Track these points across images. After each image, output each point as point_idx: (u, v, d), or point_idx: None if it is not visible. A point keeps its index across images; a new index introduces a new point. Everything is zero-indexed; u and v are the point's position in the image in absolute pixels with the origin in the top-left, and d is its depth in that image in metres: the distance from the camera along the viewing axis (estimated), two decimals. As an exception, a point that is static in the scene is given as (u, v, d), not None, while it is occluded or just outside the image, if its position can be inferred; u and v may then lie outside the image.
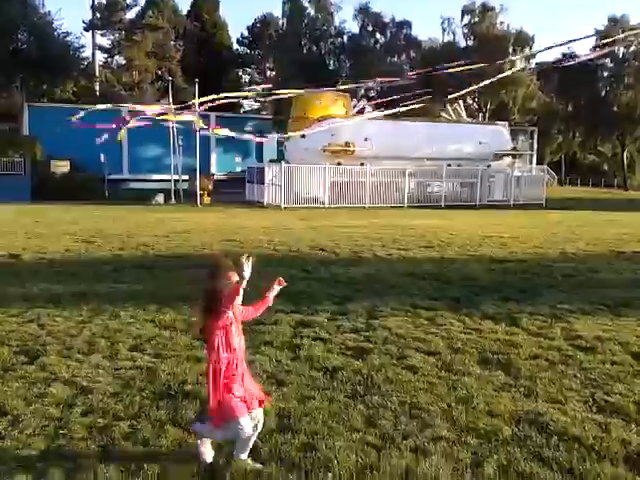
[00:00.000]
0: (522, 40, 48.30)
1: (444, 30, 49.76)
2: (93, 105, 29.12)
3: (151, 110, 26.07)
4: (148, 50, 45.95)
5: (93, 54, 46.70)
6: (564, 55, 53.98)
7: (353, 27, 72.43)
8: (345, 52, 49.63)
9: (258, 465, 3.30)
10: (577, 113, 53.63)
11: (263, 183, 26.10)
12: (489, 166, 30.19)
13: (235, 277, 3.13)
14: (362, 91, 45.73)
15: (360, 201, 26.29)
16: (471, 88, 27.57)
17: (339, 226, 16.66)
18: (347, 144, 26.52)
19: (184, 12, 53.87)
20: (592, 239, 14.07)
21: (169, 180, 27.91)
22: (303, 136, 26.52)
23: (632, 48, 51.02)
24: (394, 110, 25.91)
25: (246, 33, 58.42)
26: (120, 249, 11.43)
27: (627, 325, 6.31)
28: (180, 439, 3.58)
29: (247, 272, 3.01)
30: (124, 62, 48.82)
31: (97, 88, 45.04)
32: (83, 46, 46.09)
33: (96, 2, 45.28)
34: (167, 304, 6.87)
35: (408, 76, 27.77)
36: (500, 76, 26.24)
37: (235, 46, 58.44)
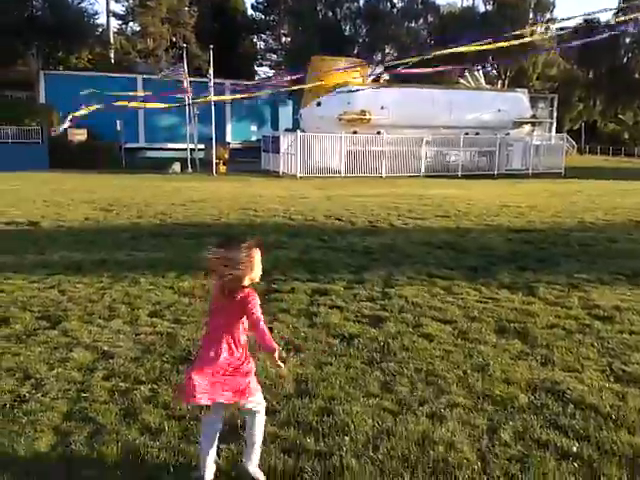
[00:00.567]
0: (542, 5, 47.07)
1: (463, -6, 48.67)
2: (110, 73, 29.03)
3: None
4: (162, 16, 45.48)
5: (107, 21, 46.40)
6: (585, 21, 52.66)
7: (370, -9, 71.14)
8: (361, 17, 48.72)
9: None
10: (598, 80, 52.49)
11: (279, 152, 25.98)
12: (508, 134, 29.75)
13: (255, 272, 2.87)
14: (378, 57, 45.08)
15: (376, 170, 26.10)
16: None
17: (355, 195, 16.60)
18: (363, 112, 26.23)
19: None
20: (611, 208, 13.89)
21: (185, 149, 27.91)
22: (319, 104, 26.28)
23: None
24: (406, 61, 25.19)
25: (261, -2, 57.52)
26: (138, 217, 11.51)
27: (646, 295, 6.26)
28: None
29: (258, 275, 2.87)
30: (138, 29, 48.44)
31: (112, 55, 44.82)
32: (97, 13, 45.92)
33: (110, -32, 44.82)
34: (185, 271, 6.93)
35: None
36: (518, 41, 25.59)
37: (250, 11, 57.67)
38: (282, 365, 2.96)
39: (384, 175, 25.87)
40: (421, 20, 49.41)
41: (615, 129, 65.33)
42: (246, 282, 2.84)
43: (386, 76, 45.55)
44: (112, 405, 3.62)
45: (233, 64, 45.75)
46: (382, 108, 26.29)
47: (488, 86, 33.97)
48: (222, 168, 26.51)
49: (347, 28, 49.65)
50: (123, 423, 3.41)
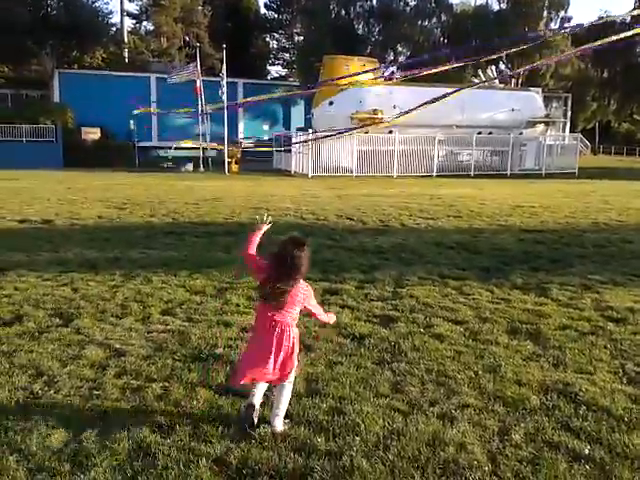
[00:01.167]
0: (557, 4, 46.66)
1: (477, -8, 48.38)
2: (124, 72, 29.18)
3: None
4: (176, 16, 45.69)
5: (121, 20, 46.69)
6: (600, 18, 52.10)
7: (383, -10, 71.02)
8: (374, 16, 48.55)
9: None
10: (612, 80, 51.97)
11: (290, 151, 26.01)
12: (521, 134, 29.54)
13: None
14: (391, 56, 44.96)
15: (388, 170, 26.03)
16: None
17: (366, 195, 16.58)
18: (375, 111, 26.17)
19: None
20: (625, 209, 13.77)
21: (198, 148, 28.01)
22: (331, 103, 26.26)
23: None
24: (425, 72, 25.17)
25: (274, -3, 57.60)
26: (151, 216, 11.58)
27: (660, 297, 6.20)
28: (211, 401, 3.66)
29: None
30: (152, 28, 48.70)
31: (125, 54, 45.08)
32: (112, 12, 46.17)
33: (124, -33, 45.06)
34: (197, 270, 6.97)
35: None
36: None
37: (263, 10, 57.76)
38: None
39: (395, 175, 25.80)
40: (434, 19, 49.14)
41: (629, 129, 64.66)
42: None
43: (399, 75, 45.40)
44: (124, 403, 3.65)
45: (246, 63, 45.87)
46: (394, 107, 26.20)
47: (501, 85, 33.73)
48: (234, 167, 26.58)
49: (360, 27, 49.50)
50: (134, 421, 3.43)
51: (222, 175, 24.50)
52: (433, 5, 48.34)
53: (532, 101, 30.66)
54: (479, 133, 27.90)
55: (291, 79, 53.23)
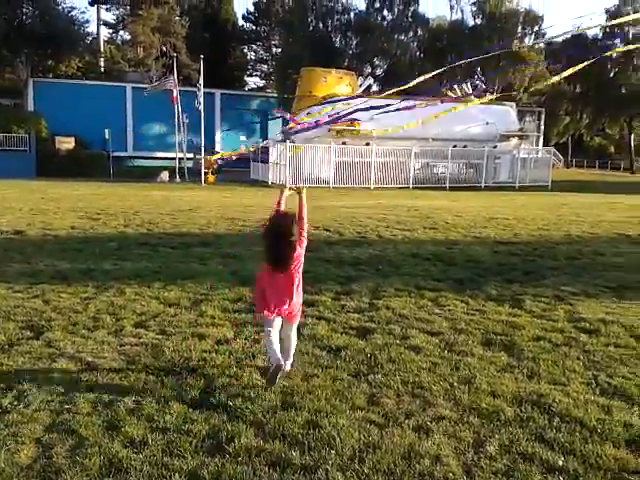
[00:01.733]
0: (531, 19, 47.60)
1: (452, 8, 49.14)
2: (99, 81, 28.95)
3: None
4: (153, 26, 45.52)
5: (98, 29, 46.46)
6: (572, 35, 53.29)
7: (360, 3, 71.83)
8: (351, 29, 48.99)
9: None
10: (585, 94, 53.06)
11: (268, 162, 26.01)
12: (495, 147, 29.98)
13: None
14: (368, 69, 45.36)
15: (365, 181, 26.19)
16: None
17: (344, 206, 16.63)
18: (353, 123, 26.34)
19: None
20: (597, 222, 14.01)
21: (174, 158, 27.86)
22: (309, 114, 26.36)
23: (643, 28, 50.29)
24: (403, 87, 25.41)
25: (252, 9, 57.82)
26: (125, 226, 11.45)
27: (631, 308, 6.30)
28: (185, 415, 3.60)
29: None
30: (129, 38, 48.44)
31: (102, 64, 44.77)
32: (88, 21, 45.85)
33: (101, -24, 44.84)
34: (172, 282, 6.90)
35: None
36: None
37: (241, 22, 57.86)
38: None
39: (373, 186, 25.95)
40: (411, 33, 49.75)
41: (601, 143, 66.10)
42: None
43: (375, 88, 45.81)
44: (95, 417, 3.57)
45: (224, 74, 45.90)
46: (371, 119, 26.42)
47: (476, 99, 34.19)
48: (211, 177, 26.48)
49: (337, 40, 49.88)
50: (106, 435, 3.37)
51: (198, 185, 24.38)
52: (410, 20, 48.96)
53: (506, 115, 31.18)
54: (454, 146, 28.24)
55: (269, 90, 53.30)
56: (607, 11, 50.61)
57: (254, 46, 60.12)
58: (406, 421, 3.60)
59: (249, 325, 5.37)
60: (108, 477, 2.97)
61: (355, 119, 25.03)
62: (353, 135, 26.53)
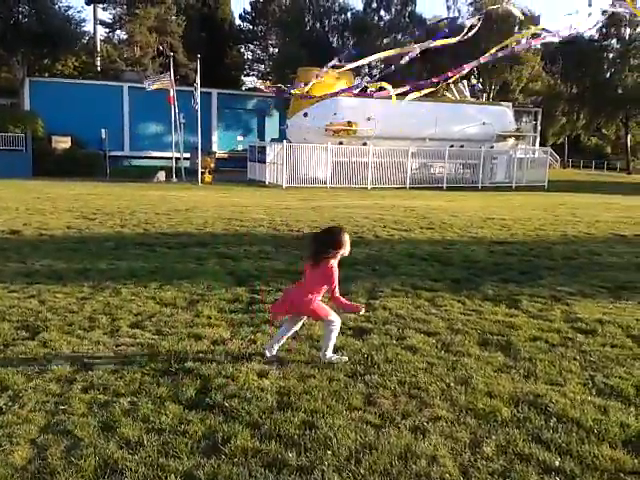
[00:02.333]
0: (527, 20, 47.62)
1: (449, 8, 49.18)
2: (96, 81, 28.82)
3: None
4: (150, 25, 45.47)
5: (94, 29, 46.31)
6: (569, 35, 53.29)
7: (357, 4, 71.79)
8: (348, 29, 49.04)
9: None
10: (581, 95, 53.22)
11: (265, 162, 26.00)
12: (492, 147, 30.02)
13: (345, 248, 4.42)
14: (366, 69, 45.35)
15: (362, 182, 26.19)
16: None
17: (341, 206, 16.63)
18: (349, 123, 26.35)
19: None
20: (593, 222, 14.04)
21: (170, 158, 27.83)
22: (306, 114, 26.35)
23: (639, 29, 50.45)
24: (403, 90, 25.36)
25: (249, 9, 57.82)
26: (121, 226, 11.43)
27: (627, 308, 6.31)
28: (180, 416, 3.59)
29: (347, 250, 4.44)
30: (125, 37, 48.36)
31: (98, 63, 44.67)
32: (84, 20, 45.63)
33: (97, -24, 44.75)
34: (168, 282, 6.88)
35: (410, 49, 27.07)
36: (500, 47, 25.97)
37: (238, 22, 57.87)
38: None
39: (369, 186, 25.96)
40: (408, 33, 49.79)
41: (598, 143, 66.27)
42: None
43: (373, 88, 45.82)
44: (90, 418, 3.56)
45: (220, 73, 45.84)
46: (368, 119, 26.43)
47: (473, 99, 34.30)
48: (208, 177, 26.45)
49: (334, 40, 49.94)
50: (101, 436, 3.35)
51: (195, 185, 24.35)
52: (407, 20, 49.03)
53: (503, 115, 31.21)
54: (451, 146, 28.26)
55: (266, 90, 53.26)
56: (603, 12, 50.68)
57: (251, 46, 60.18)
58: (403, 421, 3.59)
59: (245, 325, 5.36)
60: (103, 478, 2.95)
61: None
62: (350, 135, 26.53)
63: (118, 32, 50.15)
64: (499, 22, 44.07)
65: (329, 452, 3.21)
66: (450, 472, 3.07)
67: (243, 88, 56.06)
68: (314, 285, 4.42)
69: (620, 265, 8.86)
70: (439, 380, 4.24)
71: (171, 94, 25.90)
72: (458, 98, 32.84)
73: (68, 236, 10.25)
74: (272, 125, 40.15)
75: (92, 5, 45.85)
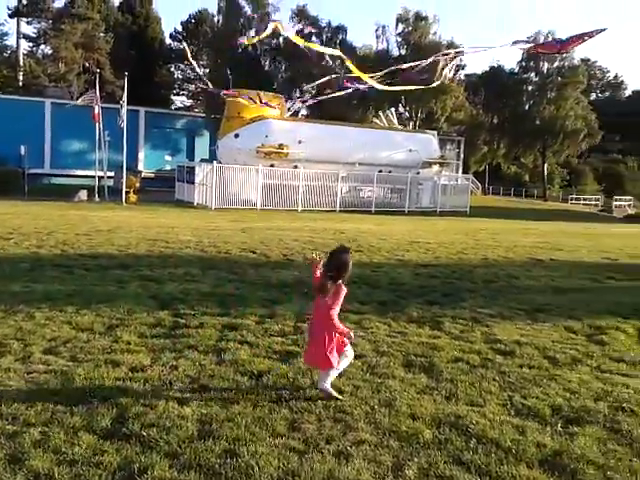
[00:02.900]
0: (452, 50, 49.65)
1: (378, 37, 50.46)
2: (16, 96, 27.64)
3: None
4: (76, 41, 44.25)
5: (17, 42, 44.62)
6: (491, 68, 56.20)
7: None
8: (281, 53, 49.46)
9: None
10: (502, 125, 55.84)
11: (193, 183, 25.64)
12: (418, 173, 30.91)
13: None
14: (297, 93, 45.82)
15: (293, 204, 26.28)
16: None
17: (270, 229, 16.58)
18: (281, 146, 26.46)
19: (116, 3, 52.42)
20: (512, 246, 14.63)
21: (93, 176, 26.94)
22: (237, 135, 26.27)
23: (555, 64, 53.63)
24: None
25: (180, 28, 57.37)
26: (38, 247, 10.90)
27: (544, 330, 6.57)
28: (94, 446, 3.41)
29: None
30: (50, 52, 46.79)
31: (20, 78, 42.97)
32: (7, 34, 43.94)
33: (21, -12, 43.29)
34: (86, 305, 6.58)
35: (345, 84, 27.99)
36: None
37: (168, 41, 57.25)
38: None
39: (300, 209, 26.06)
40: (338, 60, 50.75)
41: (517, 171, 69.45)
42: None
43: (304, 112, 46.37)
44: (-5, 451, 3.32)
45: (149, 92, 45.11)
46: (299, 142, 26.64)
47: (400, 127, 35.31)
48: (133, 197, 25.75)
49: (266, 64, 50.21)
50: (8, 469, 3.14)
51: (119, 205, 23.64)
52: (337, 47, 49.96)
53: (428, 143, 32.26)
54: (380, 171, 28.89)
55: (196, 110, 52.80)
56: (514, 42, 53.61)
57: (181, 65, 59.53)
58: (326, 446, 3.56)
59: (167, 351, 5.19)
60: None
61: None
62: (281, 158, 26.63)
63: (42, 47, 48.54)
64: (426, 52, 45.73)
65: (251, 481, 3.13)
66: (373, 497, 3.04)
67: (172, 107, 55.37)
68: (326, 320, 4.33)
69: (537, 288, 9.24)
70: (364, 403, 4.24)
71: (96, 111, 25.18)
72: (387, 125, 33.74)
73: (-21, 257, 9.67)
74: (202, 145, 39.77)
75: (16, 18, 44.22)
